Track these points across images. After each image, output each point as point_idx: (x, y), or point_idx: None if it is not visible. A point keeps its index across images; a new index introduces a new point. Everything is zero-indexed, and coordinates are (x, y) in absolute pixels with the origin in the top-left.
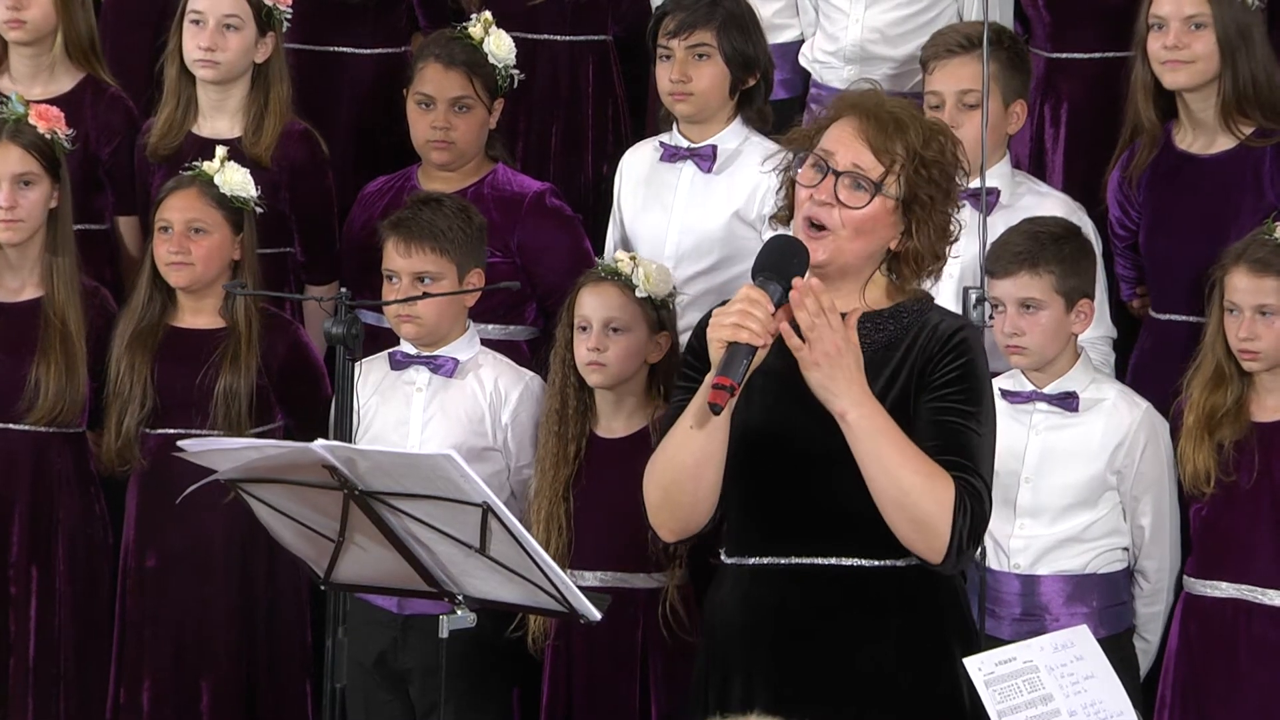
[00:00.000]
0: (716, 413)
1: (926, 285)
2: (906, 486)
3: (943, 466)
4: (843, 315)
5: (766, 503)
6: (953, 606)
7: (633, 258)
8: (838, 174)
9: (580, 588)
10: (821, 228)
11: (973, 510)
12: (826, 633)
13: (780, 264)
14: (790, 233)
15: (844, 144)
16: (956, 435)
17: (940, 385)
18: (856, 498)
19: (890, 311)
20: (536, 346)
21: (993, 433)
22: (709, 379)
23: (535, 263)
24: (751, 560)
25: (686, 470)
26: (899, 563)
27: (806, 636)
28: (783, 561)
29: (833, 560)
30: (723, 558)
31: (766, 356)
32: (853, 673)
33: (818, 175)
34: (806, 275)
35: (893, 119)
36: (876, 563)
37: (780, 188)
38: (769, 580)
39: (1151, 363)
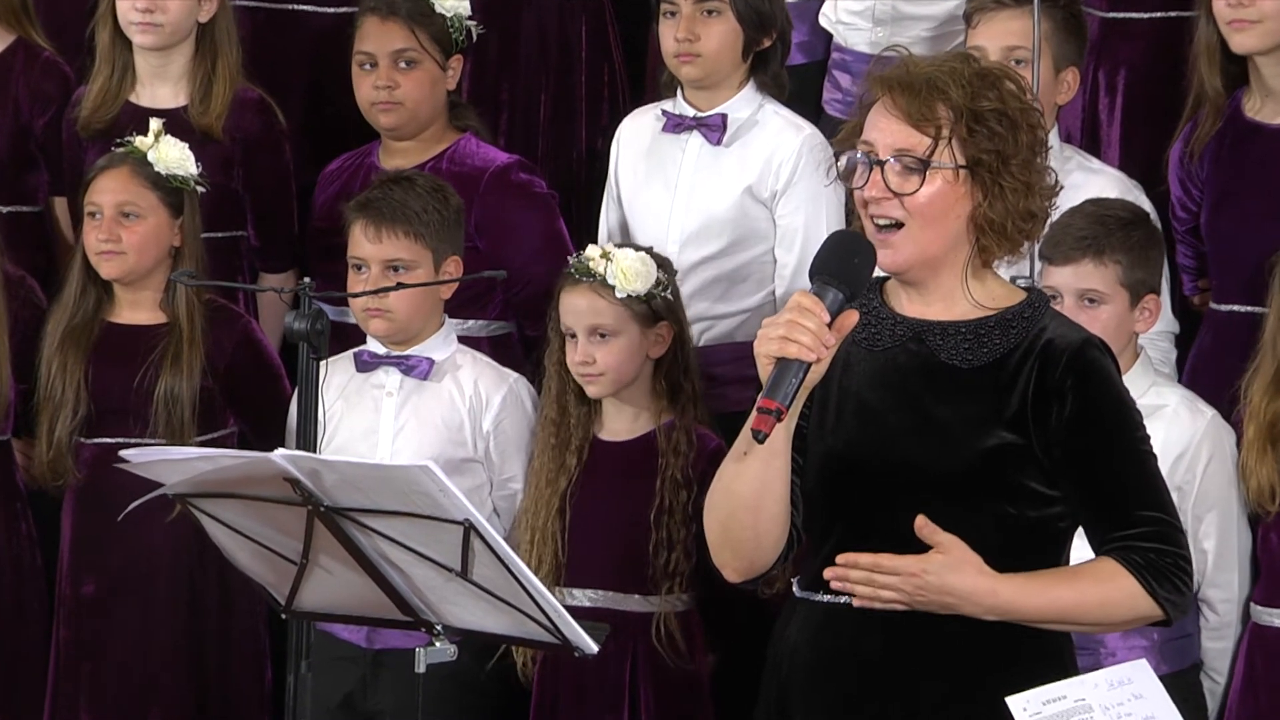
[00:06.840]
0: (760, 440)
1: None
2: (1096, 616)
3: (1123, 522)
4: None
5: (843, 536)
6: (1055, 669)
7: (605, 254)
8: (882, 164)
9: (570, 609)
10: (888, 226)
11: (1158, 565)
12: (904, 688)
13: (841, 265)
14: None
15: (881, 129)
16: (1123, 479)
17: (1096, 429)
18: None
19: (996, 319)
20: (499, 344)
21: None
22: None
23: (498, 246)
24: (824, 598)
25: (743, 502)
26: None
27: (881, 690)
28: (857, 603)
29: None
30: (794, 589)
31: (839, 373)
32: None
33: (866, 172)
34: (879, 276)
35: (926, 83)
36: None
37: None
38: (843, 622)
39: (1211, 362)
